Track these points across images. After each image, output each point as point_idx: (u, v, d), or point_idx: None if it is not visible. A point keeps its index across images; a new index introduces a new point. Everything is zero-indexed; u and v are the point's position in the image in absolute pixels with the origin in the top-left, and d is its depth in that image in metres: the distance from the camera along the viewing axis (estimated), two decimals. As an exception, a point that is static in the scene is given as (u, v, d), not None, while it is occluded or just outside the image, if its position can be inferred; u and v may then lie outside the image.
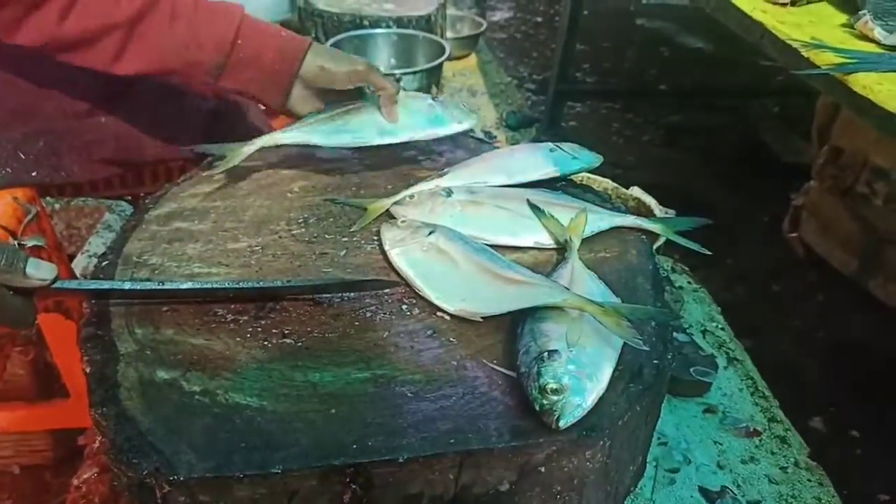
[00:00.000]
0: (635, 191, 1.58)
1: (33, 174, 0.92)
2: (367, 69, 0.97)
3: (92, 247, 1.64)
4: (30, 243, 0.80)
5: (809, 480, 0.96)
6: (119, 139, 1.03)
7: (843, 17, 1.32)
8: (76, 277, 0.96)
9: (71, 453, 1.18)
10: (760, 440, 1.00)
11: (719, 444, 0.98)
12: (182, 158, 1.09)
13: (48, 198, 1.35)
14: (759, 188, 2.48)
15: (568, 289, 0.75)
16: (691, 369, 1.04)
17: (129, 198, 1.45)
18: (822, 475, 0.97)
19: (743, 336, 1.24)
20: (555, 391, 0.63)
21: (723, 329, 1.21)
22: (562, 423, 0.62)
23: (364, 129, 0.98)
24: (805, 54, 1.16)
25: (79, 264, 1.54)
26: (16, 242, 0.78)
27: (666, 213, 1.49)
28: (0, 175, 0.87)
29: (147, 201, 0.92)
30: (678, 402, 1.04)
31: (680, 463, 0.94)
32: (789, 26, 1.26)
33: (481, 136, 2.64)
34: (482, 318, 0.75)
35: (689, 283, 1.31)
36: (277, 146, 0.97)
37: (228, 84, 0.93)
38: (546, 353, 0.66)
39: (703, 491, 0.91)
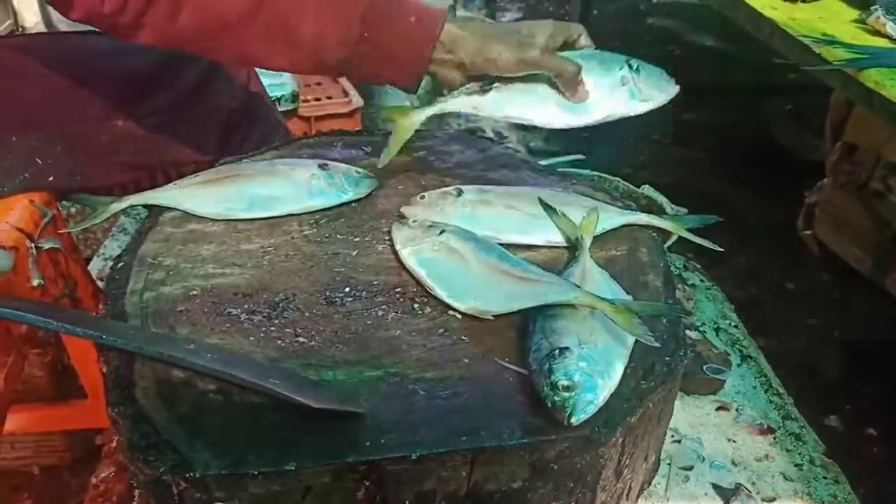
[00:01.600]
0: (646, 189, 1.58)
1: (50, 179, 0.92)
2: (540, 55, 0.84)
3: (107, 250, 1.66)
4: (46, 246, 0.81)
5: (825, 478, 0.95)
6: (136, 143, 1.04)
7: (854, 13, 1.31)
8: (93, 280, 0.97)
9: (89, 453, 1.19)
10: (775, 437, 0.99)
11: (733, 441, 0.98)
12: (195, 161, 1.10)
13: (64, 202, 1.37)
14: (772, 186, 2.47)
15: (579, 286, 0.75)
16: (704, 367, 1.03)
17: (145, 201, 1.46)
18: (838, 472, 0.96)
19: (757, 334, 1.24)
20: (566, 388, 0.63)
21: (736, 327, 1.20)
22: (573, 420, 0.62)
23: (243, 200, 0.89)
24: (817, 50, 1.15)
25: (94, 267, 1.56)
26: (33, 245, 0.79)
27: (677, 211, 1.49)
28: (18, 180, 0.88)
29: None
30: (691, 400, 1.03)
31: (694, 460, 0.94)
32: (800, 22, 1.25)
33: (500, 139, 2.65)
34: (493, 316, 0.75)
35: (701, 280, 1.31)
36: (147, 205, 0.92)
37: (357, 79, 0.89)
38: (557, 351, 0.67)
39: (718, 488, 0.91)
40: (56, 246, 0.83)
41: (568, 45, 0.89)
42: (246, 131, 1.19)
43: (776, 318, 1.91)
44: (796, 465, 0.96)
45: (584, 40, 0.89)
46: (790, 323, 1.92)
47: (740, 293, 1.97)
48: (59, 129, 0.93)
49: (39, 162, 0.91)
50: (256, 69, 1.19)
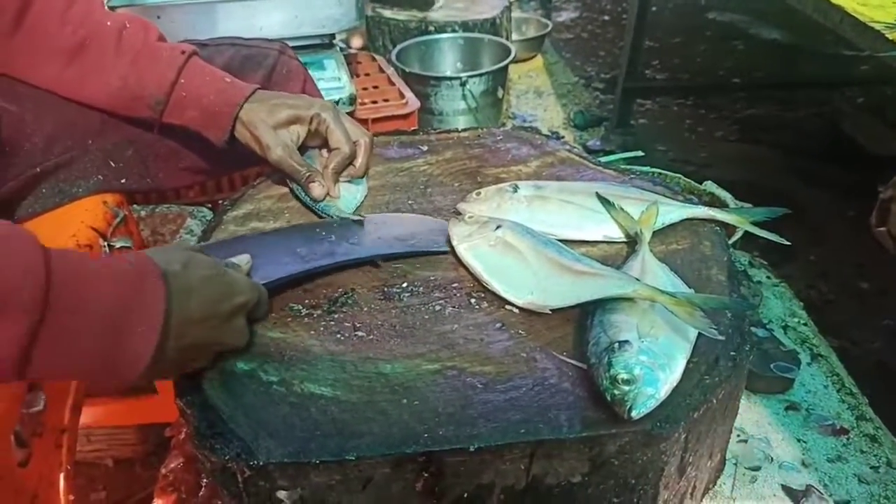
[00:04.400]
0: (709, 185, 1.54)
1: (122, 181, 0.96)
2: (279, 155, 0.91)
3: (175, 252, 1.73)
4: (118, 244, 0.85)
5: (903, 482, 0.91)
6: (199, 150, 1.07)
7: (931, -5, 1.25)
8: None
9: (159, 446, 1.24)
10: (848, 438, 0.95)
11: (803, 441, 0.94)
12: (258, 165, 1.13)
13: (135, 205, 1.43)
14: (842, 182, 2.37)
15: (638, 279, 0.73)
16: (772, 365, 1.00)
17: (210, 204, 1.51)
18: (918, 476, 0.92)
19: (829, 334, 1.19)
20: (626, 381, 0.62)
21: (805, 325, 1.16)
22: (634, 414, 0.61)
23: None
24: (889, 36, 1.10)
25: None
26: (105, 243, 0.82)
27: (741, 207, 1.44)
28: (93, 181, 0.93)
29: (226, 203, 0.95)
30: (759, 399, 1.00)
31: (761, 460, 0.91)
32: (871, 7, 1.20)
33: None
34: (551, 310, 0.74)
35: (768, 277, 1.27)
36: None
37: (173, 120, 0.93)
38: (617, 344, 0.66)
39: (787, 489, 0.88)
40: (128, 245, 0.87)
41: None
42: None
43: (849, 317, 1.83)
44: (872, 468, 0.91)
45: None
46: (864, 323, 1.83)
47: (812, 292, 1.90)
48: (132, 134, 0.97)
49: (113, 165, 0.95)
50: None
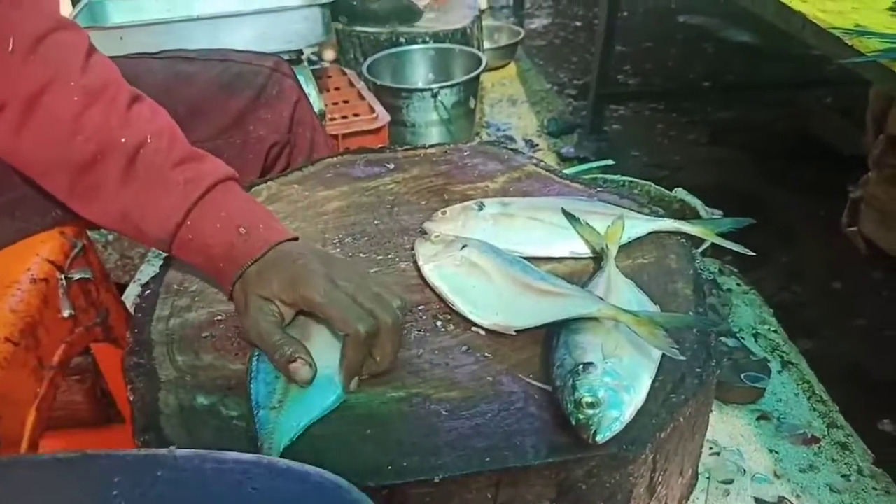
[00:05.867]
0: (679, 192, 1.55)
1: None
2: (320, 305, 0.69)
3: (143, 275, 1.70)
4: (76, 276, 0.83)
5: (875, 489, 0.91)
6: None
7: (888, 1, 1.27)
8: (125, 308, 0.99)
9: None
10: (819, 447, 0.95)
11: (775, 452, 0.94)
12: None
13: (102, 229, 1.41)
14: (813, 182, 2.39)
15: (602, 299, 0.73)
16: (742, 375, 1.00)
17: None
18: (889, 482, 0.92)
19: (803, 336, 1.20)
20: (590, 405, 0.62)
21: (776, 332, 1.17)
22: (599, 438, 0.61)
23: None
24: (849, 42, 1.11)
25: (131, 293, 1.60)
26: (63, 276, 0.80)
27: (712, 214, 1.45)
28: (50, 217, 0.87)
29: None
30: (730, 410, 1.00)
31: (734, 473, 0.91)
32: (831, 14, 1.21)
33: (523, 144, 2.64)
34: (516, 331, 0.74)
35: (738, 285, 1.27)
36: None
37: (182, 257, 0.79)
38: (581, 366, 0.65)
39: (760, 502, 0.88)
40: (87, 276, 0.85)
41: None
42: (288, 161, 1.20)
43: (823, 318, 1.85)
44: (843, 476, 0.92)
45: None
46: (838, 323, 1.85)
47: (784, 294, 1.91)
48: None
49: None
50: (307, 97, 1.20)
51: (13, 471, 0.50)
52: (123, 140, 0.75)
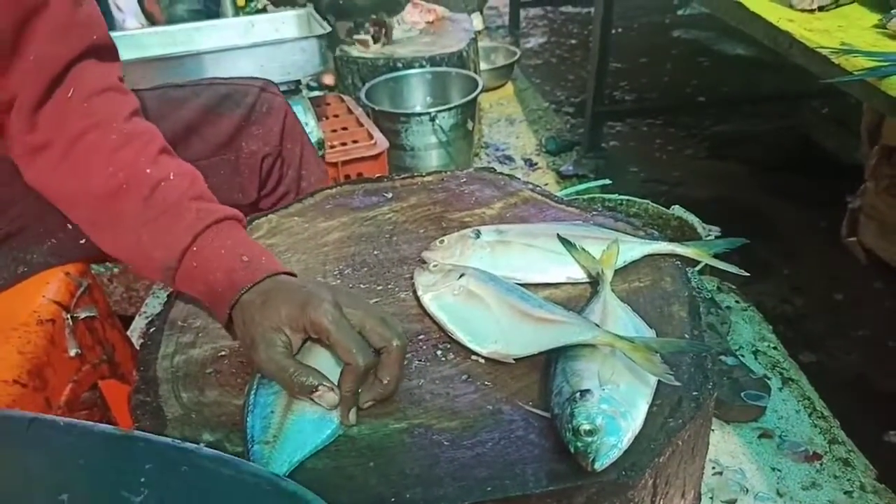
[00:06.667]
0: (676, 210, 1.56)
1: (81, 241, 0.91)
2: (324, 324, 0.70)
3: (149, 308, 1.71)
4: (82, 315, 0.85)
5: (878, 504, 0.92)
6: None
7: (874, 18, 1.28)
8: (131, 343, 1.00)
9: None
10: (821, 464, 0.96)
11: (777, 470, 0.95)
12: (234, 204, 1.12)
13: (107, 263, 1.42)
14: (812, 193, 2.41)
15: (598, 325, 0.74)
16: (742, 393, 1.01)
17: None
18: (893, 497, 0.92)
19: (805, 349, 1.20)
20: (588, 432, 0.63)
21: (776, 348, 1.17)
22: (597, 465, 0.61)
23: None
24: (836, 61, 1.13)
25: (137, 326, 1.61)
26: (69, 315, 0.82)
27: (710, 231, 1.47)
28: (47, 245, 0.90)
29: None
30: (732, 429, 1.01)
31: (737, 492, 0.91)
32: (818, 33, 1.23)
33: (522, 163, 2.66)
34: (515, 359, 0.75)
35: (737, 302, 1.28)
36: None
37: (186, 290, 0.82)
38: (578, 394, 0.66)
39: (764, 521, 0.88)
40: (92, 314, 0.86)
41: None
42: (280, 173, 1.23)
43: (825, 330, 1.85)
44: (846, 493, 0.92)
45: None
46: (840, 335, 1.85)
47: (786, 307, 1.92)
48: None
49: (70, 227, 0.91)
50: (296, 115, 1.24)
51: (66, 436, 0.54)
52: (149, 171, 0.81)
